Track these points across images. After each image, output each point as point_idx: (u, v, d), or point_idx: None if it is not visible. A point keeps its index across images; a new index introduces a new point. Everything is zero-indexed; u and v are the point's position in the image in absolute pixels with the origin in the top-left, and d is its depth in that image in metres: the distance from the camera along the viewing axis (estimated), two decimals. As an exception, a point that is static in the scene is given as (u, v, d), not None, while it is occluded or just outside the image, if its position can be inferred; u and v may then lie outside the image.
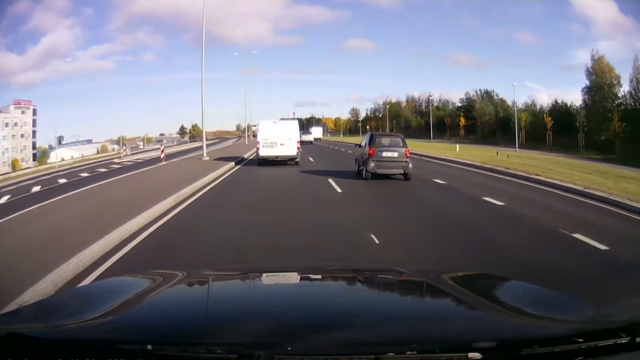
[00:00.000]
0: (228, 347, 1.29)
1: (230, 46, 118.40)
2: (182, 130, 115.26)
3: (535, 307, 1.73)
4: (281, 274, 2.43)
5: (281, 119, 24.26)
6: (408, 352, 1.26)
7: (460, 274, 2.38)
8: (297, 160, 21.20)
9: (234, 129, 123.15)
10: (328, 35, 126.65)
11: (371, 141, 15.09)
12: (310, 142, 48.10)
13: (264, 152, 21.00)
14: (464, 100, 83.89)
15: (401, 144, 15.00)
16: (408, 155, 14.91)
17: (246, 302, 1.81)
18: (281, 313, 1.62)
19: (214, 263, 5.83)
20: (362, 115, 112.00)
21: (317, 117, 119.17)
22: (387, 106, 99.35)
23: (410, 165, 14.84)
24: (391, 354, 1.25)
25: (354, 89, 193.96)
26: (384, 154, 14.78)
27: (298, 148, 21.15)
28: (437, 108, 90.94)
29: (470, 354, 1.24)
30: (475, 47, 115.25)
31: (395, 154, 14.80)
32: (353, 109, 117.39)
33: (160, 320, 1.59)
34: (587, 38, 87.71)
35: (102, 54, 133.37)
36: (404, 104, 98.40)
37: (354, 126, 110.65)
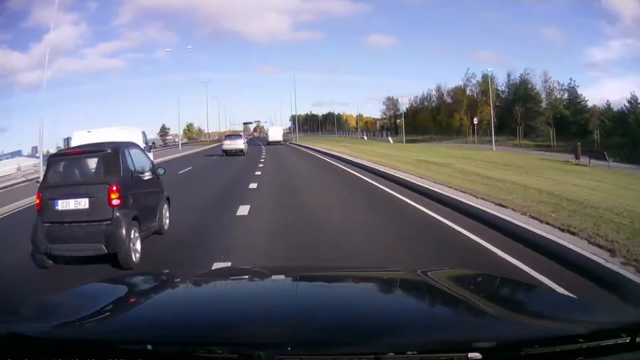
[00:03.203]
0: (228, 347, 1.29)
1: (248, 43, 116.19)
2: (163, 132, 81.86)
3: (535, 307, 1.74)
4: (280, 274, 2.43)
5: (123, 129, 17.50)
6: (408, 352, 1.26)
7: (460, 274, 2.39)
8: None
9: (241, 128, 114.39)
10: (348, 31, 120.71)
11: (46, 173, 6.65)
12: (240, 151, 31.84)
13: None
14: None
15: (100, 173, 6.35)
16: (115, 203, 5.99)
17: (246, 303, 1.81)
18: (281, 313, 1.62)
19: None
20: (406, 106, 73.09)
21: (336, 113, 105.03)
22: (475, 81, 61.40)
23: (124, 231, 5.89)
24: (391, 354, 1.25)
25: (375, 89, 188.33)
26: (61, 204, 6.04)
27: None
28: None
29: (471, 354, 1.24)
30: (497, 43, 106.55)
31: (83, 204, 6.04)
32: (389, 98, 79.79)
33: (160, 320, 1.59)
34: (608, 36, 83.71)
35: (110, 52, 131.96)
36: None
37: (391, 124, 76.46)
